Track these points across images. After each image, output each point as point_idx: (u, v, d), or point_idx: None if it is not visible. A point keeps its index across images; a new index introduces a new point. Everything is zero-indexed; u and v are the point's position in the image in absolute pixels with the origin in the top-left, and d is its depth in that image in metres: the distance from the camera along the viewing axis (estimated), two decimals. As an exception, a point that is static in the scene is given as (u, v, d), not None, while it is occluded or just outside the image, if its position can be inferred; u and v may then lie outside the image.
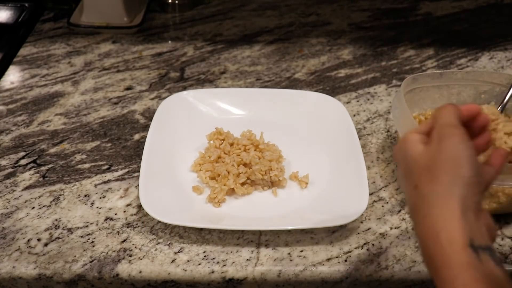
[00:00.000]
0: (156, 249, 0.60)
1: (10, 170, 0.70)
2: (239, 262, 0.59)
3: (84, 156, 0.73)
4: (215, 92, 0.82)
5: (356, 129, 0.73)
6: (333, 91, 0.86)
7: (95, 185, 0.68)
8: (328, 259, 0.59)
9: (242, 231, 0.62)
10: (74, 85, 0.87)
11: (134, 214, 0.64)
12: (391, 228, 0.63)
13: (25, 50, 0.95)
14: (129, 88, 0.86)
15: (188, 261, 0.59)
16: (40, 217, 0.64)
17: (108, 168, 0.71)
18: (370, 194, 0.67)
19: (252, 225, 0.61)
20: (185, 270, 0.58)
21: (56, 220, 0.63)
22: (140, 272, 0.58)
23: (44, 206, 0.65)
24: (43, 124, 0.78)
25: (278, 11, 1.09)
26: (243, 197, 0.66)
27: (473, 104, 0.47)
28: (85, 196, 0.67)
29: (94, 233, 0.62)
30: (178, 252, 0.60)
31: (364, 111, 0.82)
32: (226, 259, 0.59)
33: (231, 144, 0.71)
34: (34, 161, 0.72)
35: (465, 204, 0.40)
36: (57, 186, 0.68)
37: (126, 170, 0.70)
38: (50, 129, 0.77)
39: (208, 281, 0.58)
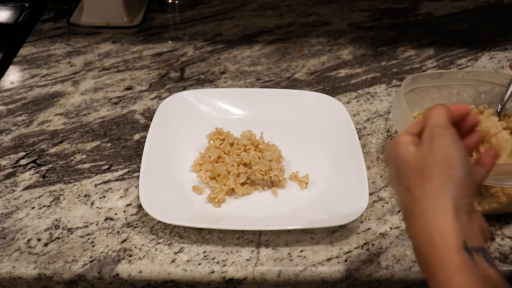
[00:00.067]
0: (156, 249, 0.60)
1: (10, 170, 0.70)
2: (239, 262, 0.59)
3: (84, 156, 0.73)
4: (215, 92, 0.82)
5: (356, 129, 0.73)
6: (333, 91, 0.86)
7: (95, 185, 0.68)
8: (328, 259, 0.59)
9: (242, 231, 0.62)
10: (74, 85, 0.87)
11: (134, 214, 0.64)
12: (391, 228, 0.63)
13: (25, 50, 0.95)
14: (129, 88, 0.86)
15: (188, 261, 0.59)
16: (40, 217, 0.64)
17: (108, 168, 0.71)
18: (370, 194, 0.67)
19: (252, 225, 0.61)
20: (185, 270, 0.58)
21: (56, 220, 0.63)
22: (140, 272, 0.58)
23: (44, 206, 0.65)
24: (43, 124, 0.78)
25: (278, 11, 1.09)
26: (243, 197, 0.66)
27: (462, 103, 0.47)
28: (85, 196, 0.67)
29: (94, 233, 0.62)
30: (178, 252, 0.60)
31: (364, 111, 0.82)
32: (226, 259, 0.59)
33: (231, 144, 0.71)
34: (34, 161, 0.72)
35: (458, 206, 0.40)
36: (57, 186, 0.68)
37: (126, 170, 0.70)
38: (50, 129, 0.77)
39: (208, 281, 0.58)
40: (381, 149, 0.74)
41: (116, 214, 0.64)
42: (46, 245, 0.60)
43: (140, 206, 0.64)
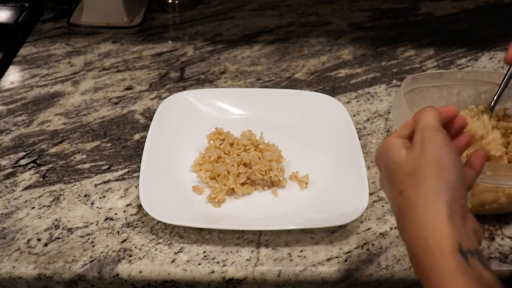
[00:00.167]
0: (156, 249, 0.60)
1: (10, 170, 0.70)
2: (239, 262, 0.59)
3: (84, 156, 0.73)
4: (215, 92, 0.82)
5: (356, 129, 0.73)
6: (333, 91, 0.86)
7: (95, 185, 0.68)
8: (328, 259, 0.59)
9: (242, 231, 0.62)
10: (74, 85, 0.87)
11: (134, 214, 0.64)
12: (391, 228, 0.63)
13: (25, 50, 0.95)
14: (129, 88, 0.86)
15: (188, 261, 0.59)
16: (40, 217, 0.64)
17: (108, 168, 0.71)
18: (370, 194, 0.67)
19: (252, 225, 0.61)
20: (185, 270, 0.58)
21: (56, 220, 0.63)
22: (140, 272, 0.58)
23: (44, 206, 0.65)
24: (43, 124, 0.78)
25: (278, 11, 1.09)
26: (243, 197, 0.66)
27: (450, 105, 0.47)
28: (85, 196, 0.67)
29: (94, 233, 0.62)
30: (178, 252, 0.60)
31: (364, 111, 0.82)
32: (226, 259, 0.59)
33: (231, 144, 0.71)
34: (34, 161, 0.72)
35: (452, 209, 0.40)
36: (57, 186, 0.68)
37: (126, 170, 0.71)
38: (50, 129, 0.77)
39: (208, 281, 0.58)
40: (381, 149, 0.74)
41: (116, 214, 0.64)
42: (46, 245, 0.60)
43: (140, 206, 0.64)
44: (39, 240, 0.61)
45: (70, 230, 0.62)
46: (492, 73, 0.74)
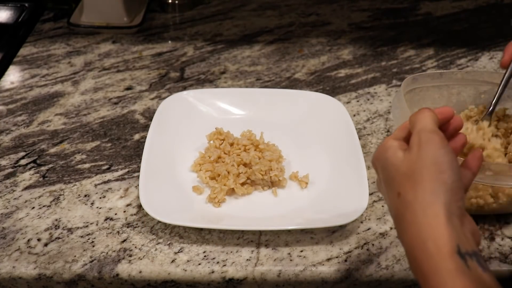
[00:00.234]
0: (156, 249, 0.60)
1: (10, 170, 0.70)
2: (239, 262, 0.59)
3: (84, 156, 0.73)
4: (215, 92, 0.82)
5: (356, 129, 0.73)
6: (333, 91, 0.86)
7: (95, 185, 0.68)
8: (328, 259, 0.59)
9: (242, 231, 0.62)
10: (74, 85, 0.87)
11: (134, 214, 0.64)
12: (391, 228, 0.63)
13: (25, 50, 0.95)
14: (129, 88, 0.86)
15: (188, 261, 0.59)
16: (40, 217, 0.64)
17: (108, 168, 0.71)
18: (370, 194, 0.67)
19: (252, 225, 0.61)
20: (185, 270, 0.58)
21: (56, 220, 0.63)
22: (140, 272, 0.58)
23: (44, 206, 0.65)
24: (43, 124, 0.78)
25: (278, 11, 1.09)
26: (243, 197, 0.66)
27: (446, 107, 0.47)
28: (85, 196, 0.67)
29: (94, 233, 0.62)
30: (178, 252, 0.60)
31: (364, 111, 0.82)
32: (226, 259, 0.59)
33: (231, 144, 0.71)
34: (34, 161, 0.72)
35: (450, 211, 0.40)
36: (57, 186, 0.68)
37: (126, 170, 0.71)
38: (50, 129, 0.77)
39: (208, 281, 0.58)
40: (381, 149, 0.74)
41: (116, 214, 0.64)
42: (46, 245, 0.60)
43: (140, 206, 0.64)
44: (39, 240, 0.61)
45: (70, 230, 0.62)
46: (492, 73, 0.74)
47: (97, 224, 0.63)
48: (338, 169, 0.69)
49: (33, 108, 0.81)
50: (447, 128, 0.47)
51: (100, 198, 0.66)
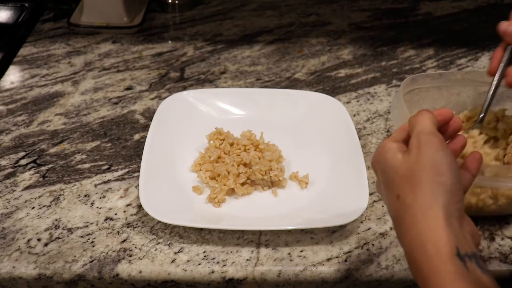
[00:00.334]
0: (156, 249, 0.60)
1: (10, 170, 0.70)
2: (239, 262, 0.59)
3: (84, 156, 0.73)
4: (215, 92, 0.82)
5: (356, 129, 0.73)
6: (333, 91, 0.86)
7: (95, 185, 0.68)
8: (328, 259, 0.59)
9: (242, 231, 0.62)
10: (74, 85, 0.87)
11: (134, 214, 0.64)
12: (391, 228, 0.63)
13: (25, 50, 0.95)
14: (129, 88, 0.86)
15: (188, 261, 0.59)
16: (40, 217, 0.64)
17: (108, 168, 0.71)
18: (370, 194, 0.67)
19: (252, 225, 0.61)
20: (185, 270, 0.58)
21: (56, 220, 0.63)
22: (140, 272, 0.58)
23: (44, 206, 0.65)
24: (43, 124, 0.78)
25: (278, 11, 1.09)
26: (243, 197, 0.66)
27: (445, 108, 0.47)
28: (85, 196, 0.67)
29: (94, 233, 0.62)
30: (178, 252, 0.60)
31: (364, 111, 0.82)
32: (226, 259, 0.59)
33: (231, 144, 0.71)
34: (34, 161, 0.72)
35: (449, 213, 0.40)
36: (57, 186, 0.68)
37: (126, 170, 0.71)
38: (50, 129, 0.77)
39: (208, 281, 0.58)
40: (381, 149, 0.74)
41: (116, 214, 0.64)
42: (46, 245, 0.60)
43: (140, 206, 0.64)
44: (39, 240, 0.61)
45: (70, 230, 0.62)
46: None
47: (97, 224, 0.63)
48: (338, 169, 0.69)
49: (33, 108, 0.81)
50: (446, 130, 0.47)
51: (100, 198, 0.66)
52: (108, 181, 0.69)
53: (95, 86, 0.86)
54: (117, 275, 0.57)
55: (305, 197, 0.66)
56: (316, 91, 0.85)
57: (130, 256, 0.59)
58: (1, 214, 0.64)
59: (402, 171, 0.43)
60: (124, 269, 0.58)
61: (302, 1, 1.12)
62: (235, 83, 0.88)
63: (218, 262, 0.58)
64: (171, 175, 0.68)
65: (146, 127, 0.77)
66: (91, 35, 0.99)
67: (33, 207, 0.65)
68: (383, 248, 0.61)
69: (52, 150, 0.74)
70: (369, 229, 0.63)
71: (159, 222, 0.62)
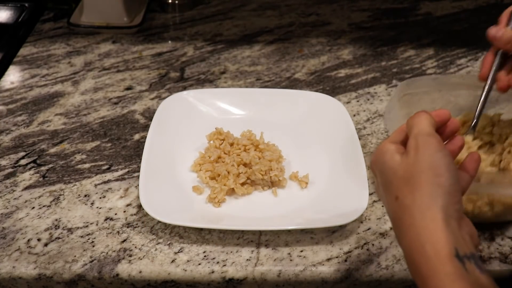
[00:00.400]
0: (156, 249, 0.60)
1: (10, 170, 0.70)
2: (239, 262, 0.59)
3: (84, 156, 0.73)
4: (215, 92, 0.82)
5: (356, 129, 0.73)
6: (333, 91, 0.86)
7: (95, 185, 0.68)
8: (328, 259, 0.59)
9: (242, 231, 0.62)
10: (74, 85, 0.87)
11: (134, 214, 0.64)
12: (391, 228, 0.63)
13: (25, 50, 0.95)
14: (129, 88, 0.86)
15: (188, 261, 0.59)
16: (40, 217, 0.64)
17: (108, 168, 0.71)
18: (370, 194, 0.67)
19: (252, 225, 0.61)
20: (185, 270, 0.58)
21: (56, 220, 0.63)
22: (140, 272, 0.58)
23: (44, 206, 0.65)
24: (43, 124, 0.78)
25: (278, 11, 1.09)
26: (243, 197, 0.66)
27: (442, 109, 0.47)
28: (85, 196, 0.67)
29: (94, 233, 0.62)
30: (178, 252, 0.60)
31: (364, 111, 0.82)
32: (226, 259, 0.59)
33: (231, 144, 0.71)
34: (34, 161, 0.72)
35: (448, 214, 0.40)
36: (57, 186, 0.68)
37: (126, 170, 0.71)
38: (50, 129, 0.77)
39: (208, 281, 0.58)
40: (381, 149, 0.74)
41: (116, 214, 0.64)
42: (46, 245, 0.60)
43: (140, 206, 0.64)
44: (39, 240, 0.61)
45: (70, 230, 0.62)
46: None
47: (97, 224, 0.63)
48: (338, 169, 0.69)
49: (33, 108, 0.81)
50: (444, 131, 0.47)
51: (100, 198, 0.66)
52: (108, 181, 0.69)
53: (95, 86, 0.86)
54: (117, 275, 0.57)
55: (305, 197, 0.66)
56: (316, 91, 0.85)
57: (130, 256, 0.59)
58: (1, 214, 0.64)
59: (401, 173, 0.43)
60: (124, 269, 0.58)
61: (302, 1, 1.12)
62: (235, 83, 0.88)
63: (218, 262, 0.58)
64: (171, 175, 0.68)
65: (146, 127, 0.77)
66: (91, 35, 0.99)
67: (33, 207, 0.65)
68: (383, 248, 0.61)
69: (52, 150, 0.74)
70: (369, 229, 0.63)
71: (159, 222, 0.62)
